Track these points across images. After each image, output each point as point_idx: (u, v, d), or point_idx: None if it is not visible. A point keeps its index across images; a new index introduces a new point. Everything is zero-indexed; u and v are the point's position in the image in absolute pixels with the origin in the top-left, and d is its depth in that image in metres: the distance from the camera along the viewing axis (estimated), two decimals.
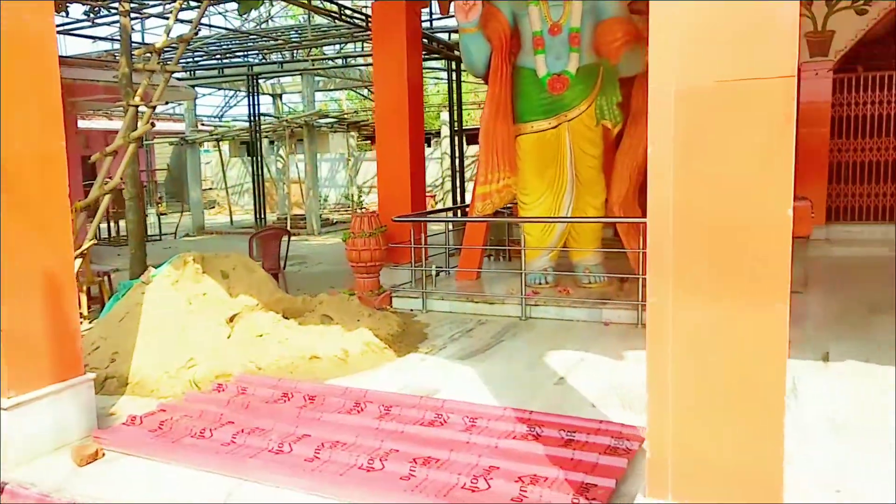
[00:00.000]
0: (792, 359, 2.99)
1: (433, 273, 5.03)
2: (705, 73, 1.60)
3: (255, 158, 9.33)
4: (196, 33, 5.38)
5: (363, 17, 7.60)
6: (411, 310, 4.89)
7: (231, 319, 3.87)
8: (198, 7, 6.12)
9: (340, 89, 16.79)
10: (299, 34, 9.45)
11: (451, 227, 5.88)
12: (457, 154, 8.71)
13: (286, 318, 4.06)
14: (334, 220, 13.33)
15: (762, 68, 1.53)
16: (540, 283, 4.95)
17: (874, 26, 6.43)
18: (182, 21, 6.90)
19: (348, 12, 7.40)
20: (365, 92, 17.67)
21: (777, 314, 1.52)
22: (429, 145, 14.83)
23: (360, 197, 16.59)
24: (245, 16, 7.79)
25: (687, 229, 1.64)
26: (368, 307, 4.46)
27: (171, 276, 3.88)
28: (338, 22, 7.28)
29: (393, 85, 5.46)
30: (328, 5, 7.06)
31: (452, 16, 9.36)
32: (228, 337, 3.72)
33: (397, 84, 5.44)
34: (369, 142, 21.25)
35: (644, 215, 5.21)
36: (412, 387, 3.30)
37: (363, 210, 5.08)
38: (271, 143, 14.95)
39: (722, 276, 1.61)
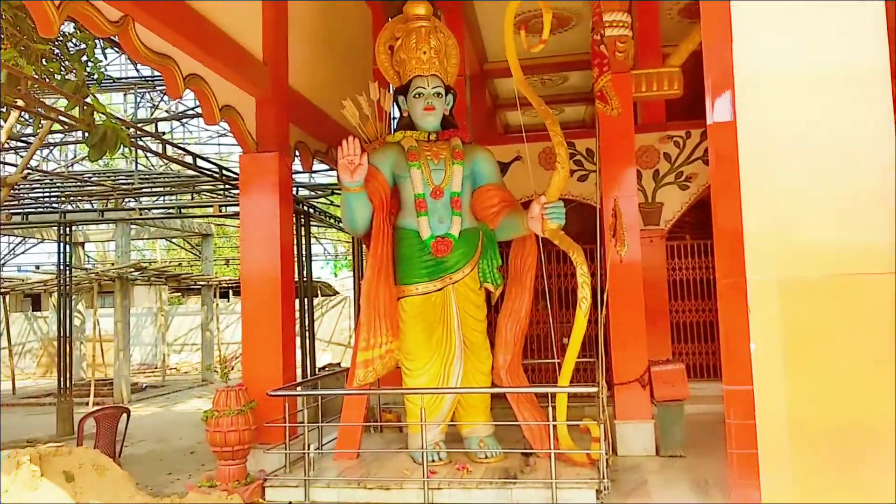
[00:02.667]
0: None
1: (311, 455, 4.37)
2: (811, 267, 1.48)
3: (61, 314, 8.01)
4: (25, 177, 4.61)
5: (219, 169, 7.13)
6: (290, 502, 4.15)
7: None
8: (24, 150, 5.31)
9: (156, 238, 15.60)
10: (112, 181, 8.66)
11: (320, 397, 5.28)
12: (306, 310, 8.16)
13: None
14: (144, 385, 11.77)
15: (870, 263, 1.45)
16: (433, 461, 4.50)
17: (694, 200, 7.24)
18: None
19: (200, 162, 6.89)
20: (179, 242, 16.60)
21: None
22: None
23: (168, 355, 14.98)
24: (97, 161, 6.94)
25: (804, 431, 1.44)
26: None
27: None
28: (185, 170, 6.73)
29: (263, 242, 5.01)
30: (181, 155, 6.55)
31: (314, 171, 9.22)
32: None
33: (268, 241, 5.00)
34: (180, 294, 19.77)
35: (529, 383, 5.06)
36: None
37: (226, 384, 4.36)
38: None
39: (842, 480, 1.41)
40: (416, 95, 5.06)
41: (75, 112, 3.70)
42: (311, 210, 8.79)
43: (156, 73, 8.25)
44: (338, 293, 17.69)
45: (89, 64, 5.16)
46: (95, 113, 3.58)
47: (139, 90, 10.21)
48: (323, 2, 5.80)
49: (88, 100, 3.67)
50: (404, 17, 4.92)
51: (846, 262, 1.52)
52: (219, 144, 12.78)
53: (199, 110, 8.57)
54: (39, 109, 3.72)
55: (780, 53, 1.67)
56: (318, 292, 17.36)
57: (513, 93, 4.57)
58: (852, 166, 1.61)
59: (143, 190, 8.23)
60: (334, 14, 6.05)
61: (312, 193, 8.86)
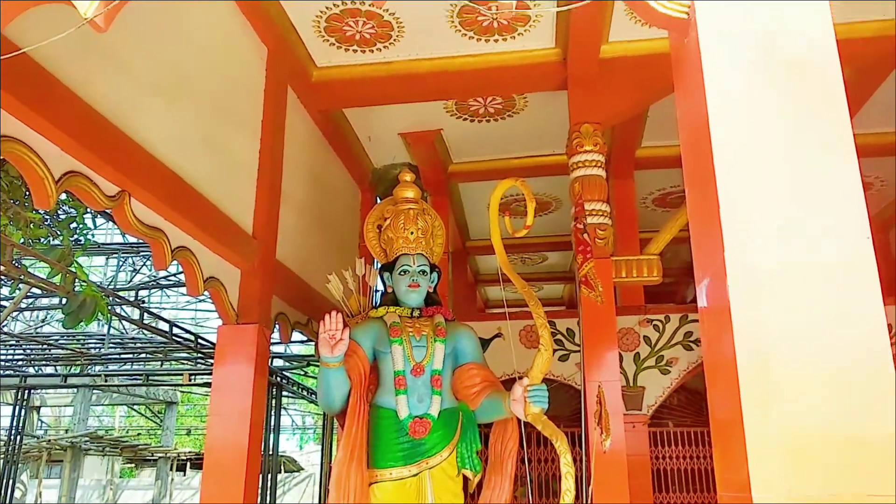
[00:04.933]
0: None
1: None
2: (817, 490, 1.43)
3: (2, 485, 7.41)
4: None
5: (194, 338, 7.00)
6: None
7: None
8: None
9: (118, 405, 14.96)
10: (80, 344, 8.42)
11: None
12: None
13: None
14: None
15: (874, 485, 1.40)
16: None
17: (676, 385, 7.17)
18: None
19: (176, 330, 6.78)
20: (140, 409, 15.90)
21: None
22: None
23: None
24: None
25: None
26: None
27: None
28: (163, 339, 6.60)
29: (232, 416, 4.81)
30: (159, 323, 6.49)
31: (295, 342, 9.09)
32: None
33: (238, 415, 4.80)
34: (134, 466, 18.60)
35: None
36: None
37: None
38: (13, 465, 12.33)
39: None
40: (402, 273, 5.10)
41: (57, 278, 3.67)
42: (285, 381, 8.56)
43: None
44: (302, 469, 16.78)
45: (77, 229, 5.20)
46: (77, 280, 3.53)
47: (123, 255, 10.33)
48: (315, 180, 6.03)
49: (72, 267, 3.64)
50: (394, 199, 5.10)
51: (852, 481, 1.47)
52: (196, 310, 12.74)
53: (180, 277, 8.60)
54: (21, 276, 3.67)
55: (771, 247, 1.72)
56: (282, 468, 16.47)
57: (494, 269, 4.67)
58: (851, 367, 1.59)
59: (112, 356, 8.01)
60: (325, 191, 6.29)
61: (287, 364, 8.68)
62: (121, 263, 11.16)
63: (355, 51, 5.36)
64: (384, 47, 5.32)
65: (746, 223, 1.67)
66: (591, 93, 5.26)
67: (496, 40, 5.25)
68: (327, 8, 4.84)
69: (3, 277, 4.53)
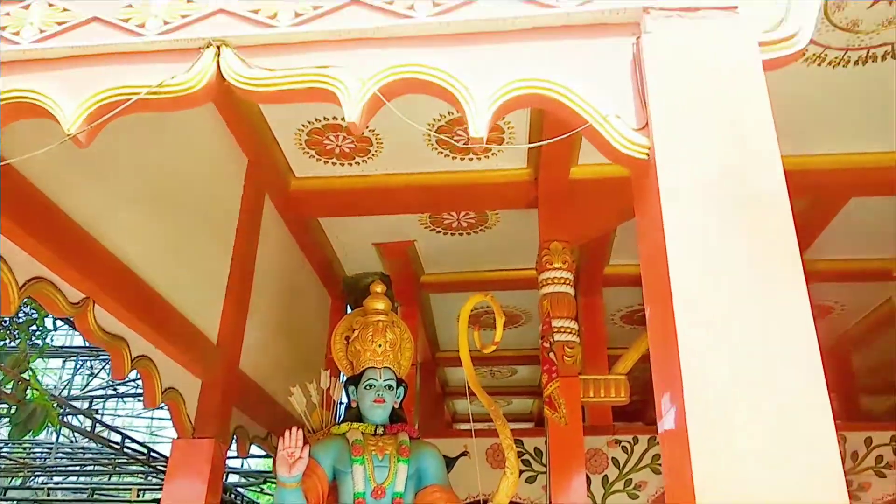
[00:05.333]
0: None
1: None
2: None
3: None
4: None
5: (146, 451, 6.69)
6: None
7: None
8: None
9: None
10: (26, 453, 7.98)
11: None
12: None
13: None
14: None
15: None
16: None
17: None
18: None
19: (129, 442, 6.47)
20: None
21: None
22: None
23: None
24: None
25: None
26: None
27: None
28: (113, 450, 6.27)
29: None
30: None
31: (251, 456, 8.71)
32: None
33: None
34: None
35: None
36: None
37: None
38: None
39: None
40: (367, 387, 4.97)
41: (8, 385, 3.53)
42: (239, 499, 8.14)
43: None
44: None
45: (37, 333, 5.07)
46: (29, 388, 3.41)
47: (81, 358, 10.02)
48: (285, 287, 6.01)
49: (25, 373, 3.52)
50: (363, 310, 5.08)
51: None
52: (151, 417, 12.24)
53: (139, 383, 8.31)
54: None
55: (725, 375, 1.76)
56: None
57: (463, 382, 4.62)
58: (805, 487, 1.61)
59: (59, 468, 7.58)
60: (295, 298, 6.25)
61: (243, 480, 8.29)
62: (78, 367, 10.79)
63: (334, 163, 5.49)
64: (363, 161, 5.46)
65: (702, 353, 1.71)
66: (561, 212, 5.41)
67: (470, 158, 5.44)
68: (309, 122, 5.00)
69: None
